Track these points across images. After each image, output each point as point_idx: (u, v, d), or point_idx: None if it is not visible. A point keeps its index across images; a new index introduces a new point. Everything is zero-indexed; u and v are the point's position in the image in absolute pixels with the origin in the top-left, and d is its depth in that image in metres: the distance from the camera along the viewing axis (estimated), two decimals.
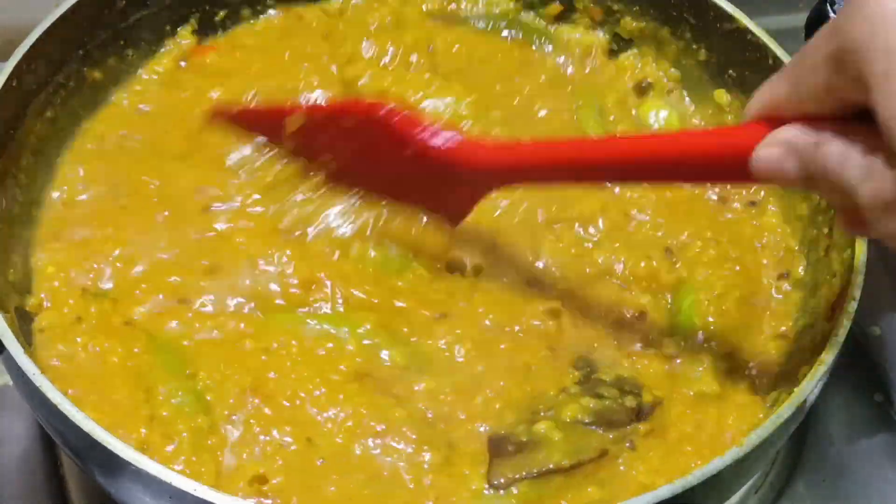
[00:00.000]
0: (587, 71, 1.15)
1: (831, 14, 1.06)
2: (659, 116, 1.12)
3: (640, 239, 1.02)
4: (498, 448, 0.88)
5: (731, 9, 1.07)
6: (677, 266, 1.00)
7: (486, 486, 0.86)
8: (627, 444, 0.89)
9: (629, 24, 1.14)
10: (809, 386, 0.84)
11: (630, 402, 0.91)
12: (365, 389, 0.90)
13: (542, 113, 1.10)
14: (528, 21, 1.18)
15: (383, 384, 0.91)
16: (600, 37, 1.16)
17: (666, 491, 0.77)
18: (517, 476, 0.87)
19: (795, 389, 0.84)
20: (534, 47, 1.16)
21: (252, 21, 1.16)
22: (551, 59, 1.16)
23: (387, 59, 1.11)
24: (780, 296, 1.00)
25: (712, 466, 0.79)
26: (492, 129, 1.06)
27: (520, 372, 0.93)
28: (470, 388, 0.91)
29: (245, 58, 1.13)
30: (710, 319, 0.97)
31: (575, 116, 1.10)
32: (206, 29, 1.13)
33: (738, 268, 1.01)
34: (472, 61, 1.14)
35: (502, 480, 0.86)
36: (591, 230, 1.02)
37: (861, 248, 0.91)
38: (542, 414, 0.90)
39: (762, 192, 1.06)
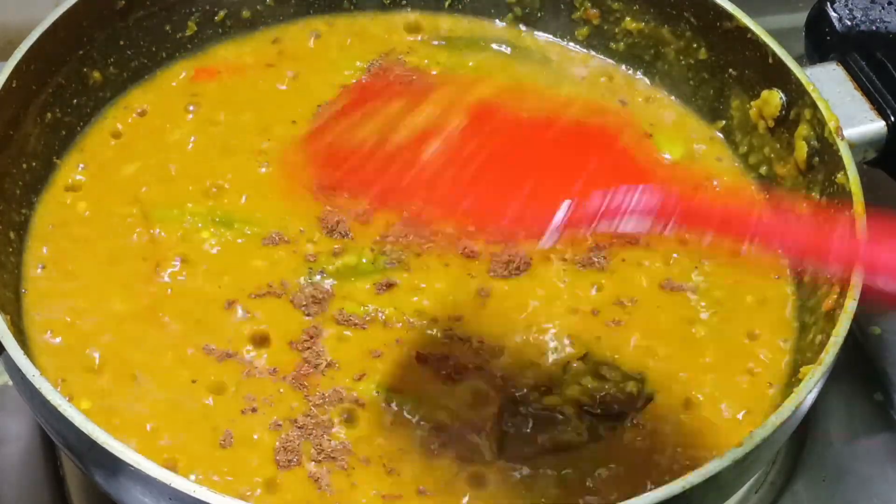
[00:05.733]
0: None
1: (831, 14, 1.06)
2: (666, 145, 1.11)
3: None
4: (512, 415, 0.90)
5: (731, 7, 1.06)
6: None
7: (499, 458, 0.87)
8: (633, 420, 0.91)
9: (629, 24, 1.14)
10: (809, 386, 0.84)
11: (632, 387, 0.92)
12: None
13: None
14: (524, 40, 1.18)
15: None
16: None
17: (666, 491, 0.77)
18: (533, 453, 0.88)
19: (795, 389, 0.84)
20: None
21: (252, 30, 1.16)
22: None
23: None
24: (780, 296, 1.00)
25: (712, 466, 0.79)
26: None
27: None
28: None
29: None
30: (711, 319, 0.98)
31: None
32: (206, 29, 1.13)
33: (736, 269, 1.01)
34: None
35: (519, 456, 0.88)
36: None
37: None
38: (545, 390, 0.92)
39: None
